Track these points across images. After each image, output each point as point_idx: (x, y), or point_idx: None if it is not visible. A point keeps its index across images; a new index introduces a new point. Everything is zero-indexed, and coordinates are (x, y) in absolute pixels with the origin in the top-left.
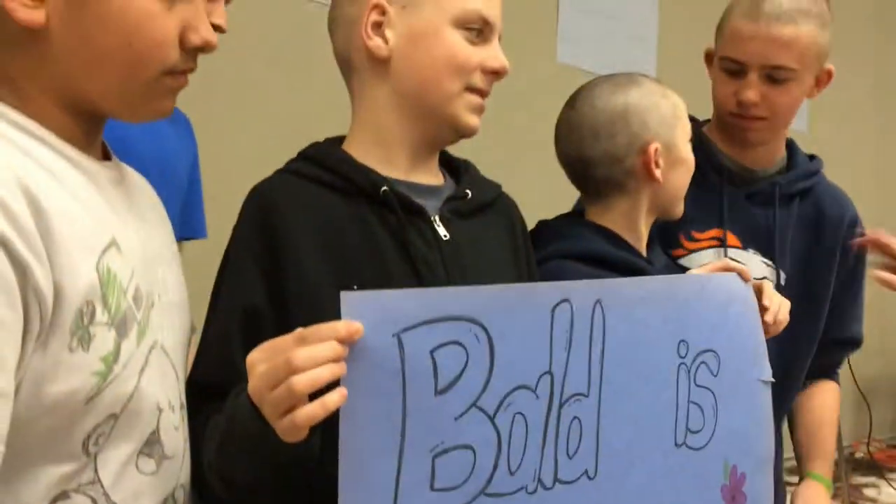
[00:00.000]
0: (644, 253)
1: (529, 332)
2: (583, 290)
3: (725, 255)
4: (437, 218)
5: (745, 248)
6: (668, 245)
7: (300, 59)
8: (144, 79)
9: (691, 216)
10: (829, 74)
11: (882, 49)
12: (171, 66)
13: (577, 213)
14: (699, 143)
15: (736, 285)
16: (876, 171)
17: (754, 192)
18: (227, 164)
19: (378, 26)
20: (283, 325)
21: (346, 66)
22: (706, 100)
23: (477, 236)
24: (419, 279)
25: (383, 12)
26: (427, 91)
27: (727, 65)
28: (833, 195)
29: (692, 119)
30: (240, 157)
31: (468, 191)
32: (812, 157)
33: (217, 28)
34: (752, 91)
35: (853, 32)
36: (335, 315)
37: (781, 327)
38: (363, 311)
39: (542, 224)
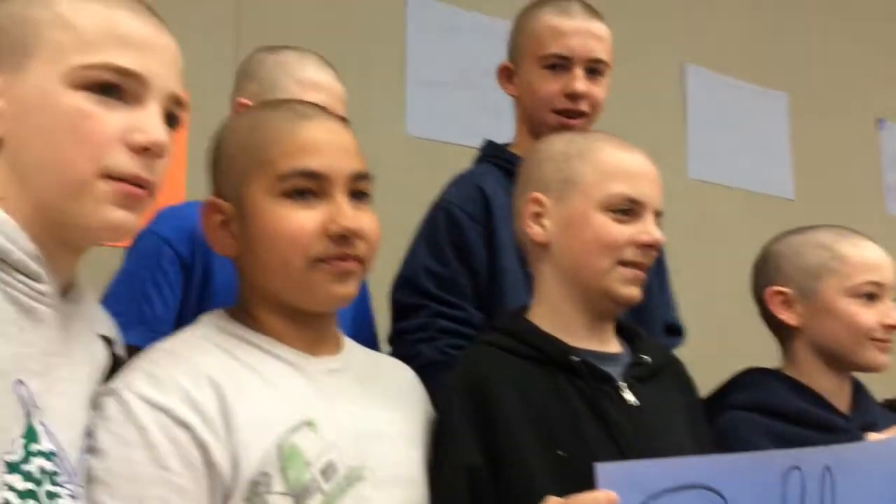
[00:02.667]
0: (843, 407)
1: (762, 498)
2: (811, 457)
3: None
4: (623, 385)
5: None
6: (527, 262)
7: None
8: (297, 270)
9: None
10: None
11: None
12: (317, 254)
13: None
14: (512, 163)
15: None
16: None
17: None
18: None
19: (537, 216)
20: (500, 485)
21: (523, 249)
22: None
23: (658, 400)
24: (616, 445)
25: (540, 204)
26: (581, 270)
27: (551, 61)
28: None
29: (496, 146)
30: None
31: (646, 356)
32: None
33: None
34: (581, 82)
35: None
36: (544, 478)
37: None
38: (615, 481)
39: (742, 372)
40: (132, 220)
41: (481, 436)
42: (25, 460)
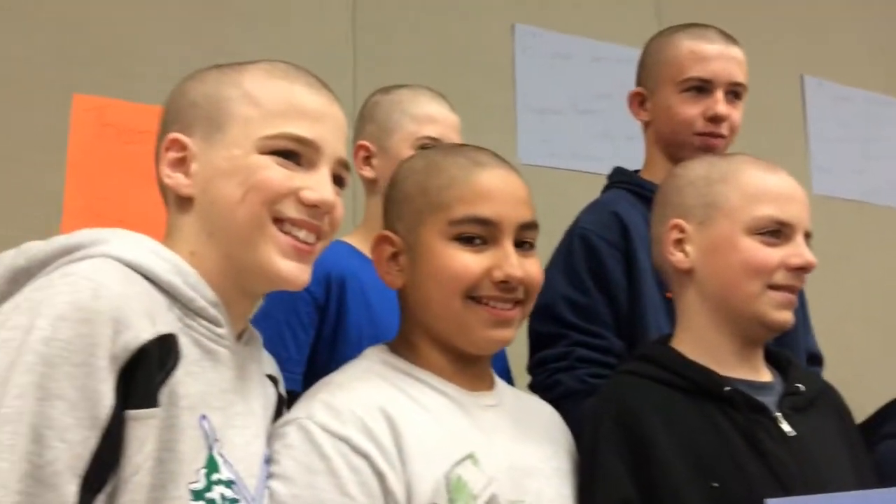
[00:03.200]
0: None
1: None
2: None
3: None
4: (779, 415)
5: None
6: (666, 287)
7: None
8: (455, 309)
9: None
10: None
11: None
12: (477, 293)
13: None
14: (645, 188)
15: None
16: None
17: None
18: None
19: (679, 243)
20: None
21: (664, 275)
22: None
23: (816, 429)
24: (775, 477)
25: (682, 230)
26: (729, 296)
27: (693, 84)
28: None
29: (626, 172)
30: None
31: (800, 385)
32: None
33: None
34: (723, 105)
35: None
36: None
37: None
38: None
39: (894, 400)
40: (302, 271)
41: (633, 468)
42: (208, 488)
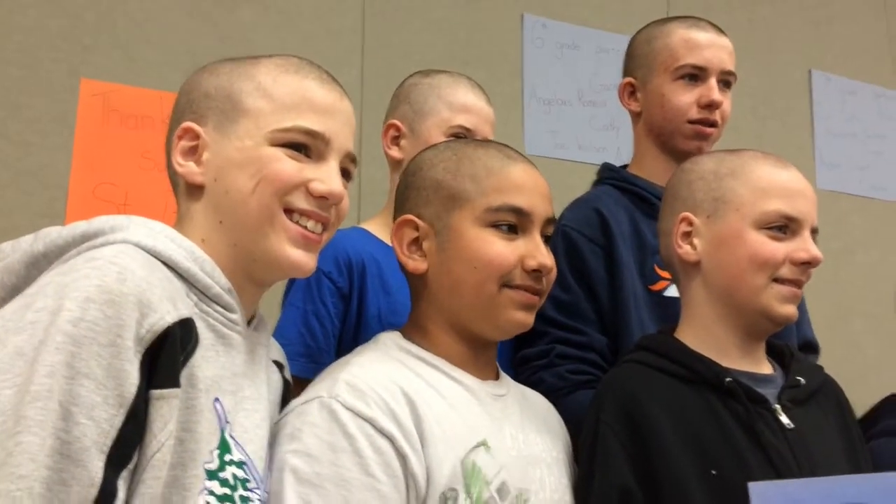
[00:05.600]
0: None
1: None
2: None
3: None
4: (778, 407)
5: None
6: (649, 281)
7: None
8: (488, 293)
9: (656, 247)
10: None
11: None
12: (510, 280)
13: None
14: (631, 183)
15: None
16: None
17: None
18: None
19: (687, 236)
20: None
21: (671, 269)
22: None
23: (814, 422)
24: (773, 467)
25: (690, 223)
26: (735, 288)
27: (687, 71)
28: None
29: (613, 168)
30: None
31: (800, 378)
32: None
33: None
34: (717, 91)
35: None
36: (700, 497)
37: None
38: (769, 500)
39: (889, 397)
40: (310, 259)
41: (634, 455)
42: (221, 469)
